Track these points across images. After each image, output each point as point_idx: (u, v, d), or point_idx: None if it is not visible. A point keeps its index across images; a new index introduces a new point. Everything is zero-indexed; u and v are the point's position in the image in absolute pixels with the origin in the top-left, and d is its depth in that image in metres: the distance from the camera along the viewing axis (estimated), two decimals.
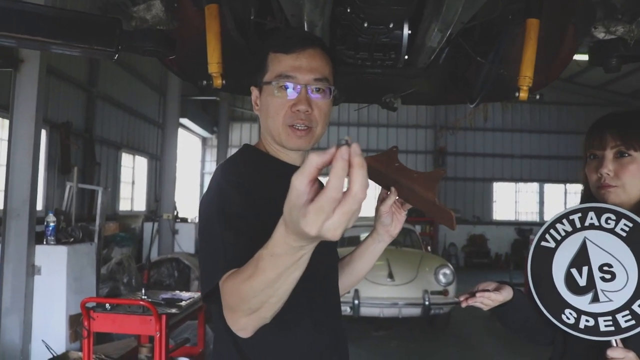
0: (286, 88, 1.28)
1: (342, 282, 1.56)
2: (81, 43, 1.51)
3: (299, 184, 0.69)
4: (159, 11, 1.57)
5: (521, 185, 17.15)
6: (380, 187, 1.42)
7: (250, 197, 1.17)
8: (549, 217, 1.45)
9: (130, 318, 3.55)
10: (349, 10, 1.62)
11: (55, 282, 4.97)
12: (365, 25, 1.64)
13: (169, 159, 10.79)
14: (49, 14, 1.52)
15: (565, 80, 15.27)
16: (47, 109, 7.58)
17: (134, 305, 3.65)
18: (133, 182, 11.89)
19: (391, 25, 1.65)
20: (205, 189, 1.36)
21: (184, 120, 12.88)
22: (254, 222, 1.12)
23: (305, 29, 1.64)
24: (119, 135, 10.78)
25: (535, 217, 16.96)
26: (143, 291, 3.98)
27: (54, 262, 4.98)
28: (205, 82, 1.87)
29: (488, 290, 1.47)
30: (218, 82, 1.85)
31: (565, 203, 16.65)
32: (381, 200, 1.43)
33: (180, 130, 12.58)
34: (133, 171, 11.85)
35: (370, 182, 1.40)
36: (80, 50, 1.55)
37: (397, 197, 1.40)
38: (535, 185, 17.14)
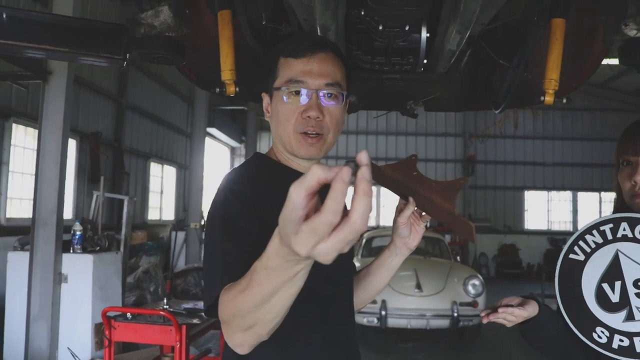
0: (298, 94, 1.23)
1: (358, 296, 1.50)
2: (88, 50, 1.49)
3: (296, 196, 0.63)
4: (167, 17, 1.54)
5: (553, 193, 16.73)
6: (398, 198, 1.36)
7: (254, 207, 1.13)
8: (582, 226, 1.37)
9: (151, 328, 3.56)
10: (363, 13, 1.56)
11: (81, 290, 5.03)
12: (381, 28, 1.58)
13: (197, 168, 10.90)
14: (54, 22, 1.51)
15: (598, 86, 14.87)
16: (77, 120, 7.76)
17: (155, 315, 3.64)
18: (162, 192, 12.03)
19: (407, 28, 1.59)
20: None
21: (212, 130, 13.00)
22: (257, 233, 1.07)
23: (319, 34, 1.59)
24: (147, 145, 10.94)
25: (568, 227, 16.48)
26: (165, 301, 3.98)
27: (80, 270, 5.05)
28: (218, 90, 1.84)
29: (512, 306, 1.38)
30: (231, 89, 1.82)
31: (600, 212, 16.15)
32: (399, 211, 1.36)
33: (209, 140, 12.71)
34: (162, 180, 11.99)
35: (388, 191, 1.34)
36: (87, 58, 1.54)
37: (415, 208, 1.33)
38: (568, 194, 16.68)
